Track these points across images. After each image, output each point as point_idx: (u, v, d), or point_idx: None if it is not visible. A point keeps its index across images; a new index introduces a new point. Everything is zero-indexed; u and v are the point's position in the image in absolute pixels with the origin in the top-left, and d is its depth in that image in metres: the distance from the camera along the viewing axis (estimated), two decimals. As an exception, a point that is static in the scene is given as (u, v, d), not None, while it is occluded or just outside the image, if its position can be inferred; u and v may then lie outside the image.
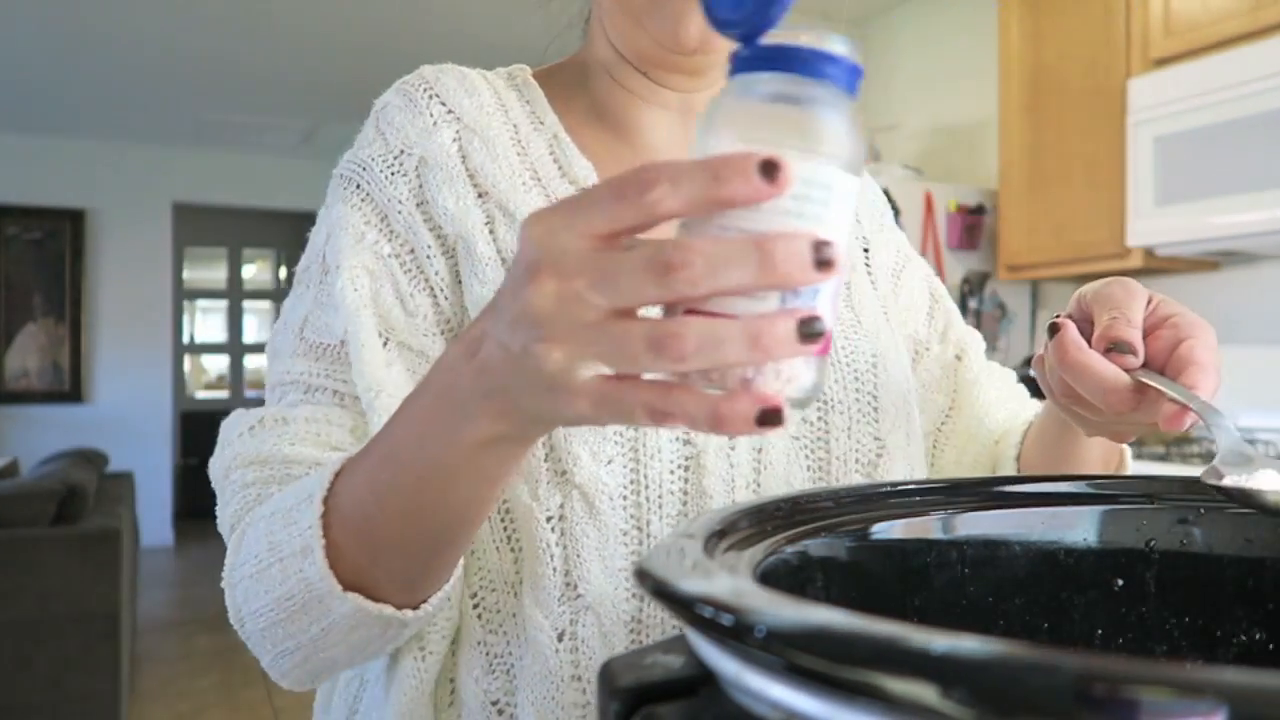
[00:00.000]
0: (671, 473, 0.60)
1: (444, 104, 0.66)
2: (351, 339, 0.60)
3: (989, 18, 3.38)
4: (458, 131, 0.65)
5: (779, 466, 0.64)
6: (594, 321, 0.35)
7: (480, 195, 0.64)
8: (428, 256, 0.62)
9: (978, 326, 3.21)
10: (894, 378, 0.69)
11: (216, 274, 8.20)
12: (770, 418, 0.34)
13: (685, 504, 0.61)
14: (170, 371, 6.57)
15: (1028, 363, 3.08)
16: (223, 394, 8.30)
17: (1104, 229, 2.77)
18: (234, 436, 0.61)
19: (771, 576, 0.33)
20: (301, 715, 3.47)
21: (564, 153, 0.67)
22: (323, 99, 5.30)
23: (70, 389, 6.21)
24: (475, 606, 0.60)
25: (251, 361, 8.37)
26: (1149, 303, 0.55)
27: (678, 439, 0.61)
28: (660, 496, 0.60)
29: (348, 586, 0.51)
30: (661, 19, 0.62)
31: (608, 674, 0.27)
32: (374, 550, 0.51)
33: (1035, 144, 3.01)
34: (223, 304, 8.24)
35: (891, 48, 4.01)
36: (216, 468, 0.61)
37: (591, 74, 0.72)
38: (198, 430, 7.75)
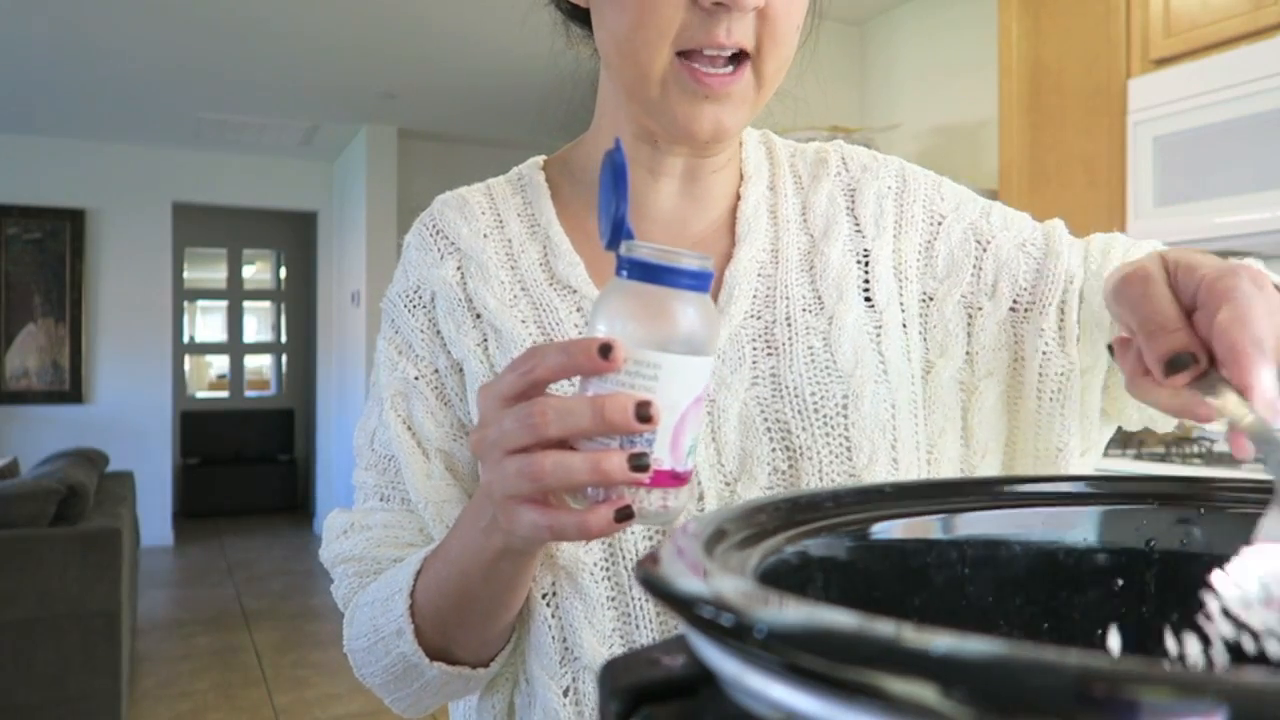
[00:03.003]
0: (648, 539, 0.68)
1: (447, 237, 0.76)
2: (400, 459, 0.74)
3: (989, 17, 3.37)
4: (459, 262, 0.75)
5: None
6: (496, 459, 0.50)
7: (477, 317, 0.74)
8: (447, 374, 0.75)
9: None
10: (867, 414, 0.69)
11: (216, 274, 8.20)
12: (623, 513, 0.47)
13: None
14: (170, 371, 6.57)
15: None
16: (223, 394, 8.30)
17: (1104, 229, 2.75)
18: (333, 538, 0.77)
19: (771, 576, 0.33)
20: (302, 715, 3.48)
21: (555, 254, 0.74)
22: (323, 99, 5.31)
23: (70, 389, 6.22)
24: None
25: (251, 361, 8.37)
26: (1169, 274, 0.50)
27: None
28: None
29: (433, 656, 0.67)
30: (673, 118, 0.66)
31: (608, 674, 0.27)
32: (443, 627, 0.66)
33: (1035, 144, 3.00)
34: (223, 304, 8.24)
35: (891, 47, 4.01)
36: (326, 558, 0.77)
37: (599, 152, 0.73)
38: (198, 430, 7.75)
